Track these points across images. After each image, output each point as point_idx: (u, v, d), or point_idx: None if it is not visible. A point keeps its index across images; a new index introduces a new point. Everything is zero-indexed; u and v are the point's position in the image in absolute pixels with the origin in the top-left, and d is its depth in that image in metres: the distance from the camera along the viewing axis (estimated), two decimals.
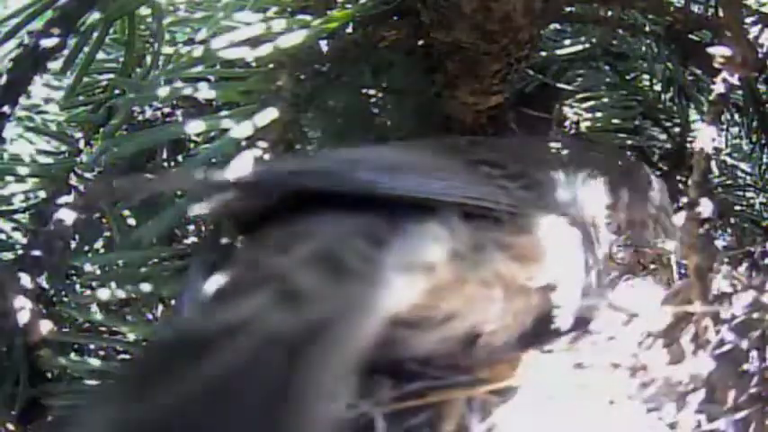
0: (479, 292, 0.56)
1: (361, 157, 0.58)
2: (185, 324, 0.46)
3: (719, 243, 0.99)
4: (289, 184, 0.51)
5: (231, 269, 0.47)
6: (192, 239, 0.78)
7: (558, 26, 0.96)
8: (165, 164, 0.87)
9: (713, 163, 0.66)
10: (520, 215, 0.59)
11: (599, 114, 0.92)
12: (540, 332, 0.60)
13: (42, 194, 0.83)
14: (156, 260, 0.65)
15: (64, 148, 0.87)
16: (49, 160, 0.86)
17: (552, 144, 0.78)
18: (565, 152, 0.72)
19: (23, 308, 0.70)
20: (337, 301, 0.43)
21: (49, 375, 0.74)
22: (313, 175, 0.52)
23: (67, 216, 0.78)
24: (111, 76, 0.85)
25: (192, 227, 0.81)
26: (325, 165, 0.56)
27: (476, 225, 0.55)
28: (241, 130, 0.62)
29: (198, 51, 0.67)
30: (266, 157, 0.61)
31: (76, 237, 0.82)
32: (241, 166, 0.60)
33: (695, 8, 0.86)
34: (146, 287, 0.62)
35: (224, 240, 0.61)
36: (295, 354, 0.39)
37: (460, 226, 0.54)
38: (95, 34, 0.73)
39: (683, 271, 0.72)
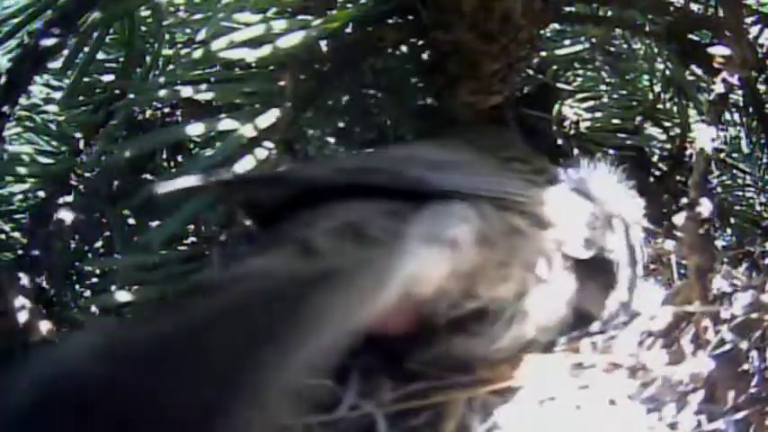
0: (527, 274, 0.57)
1: (409, 155, 0.59)
2: (200, 276, 0.46)
3: (719, 243, 0.99)
4: (345, 182, 0.52)
5: (255, 242, 0.48)
6: (192, 239, 0.78)
7: (558, 26, 0.96)
8: (165, 164, 0.87)
9: (713, 163, 0.66)
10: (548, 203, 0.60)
11: (599, 114, 0.92)
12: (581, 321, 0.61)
13: (42, 194, 0.83)
14: (157, 262, 0.65)
15: (64, 148, 0.87)
16: (49, 160, 0.87)
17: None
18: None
19: (23, 308, 0.70)
20: (351, 258, 0.44)
21: None
22: (365, 174, 0.53)
23: (67, 216, 0.79)
24: (111, 76, 0.85)
25: (192, 227, 0.81)
26: (377, 164, 0.57)
27: (508, 210, 0.56)
28: (245, 130, 0.62)
29: (198, 52, 0.67)
30: (272, 157, 0.62)
31: (76, 237, 0.82)
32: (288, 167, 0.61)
33: (695, 8, 0.86)
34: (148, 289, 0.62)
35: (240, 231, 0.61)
36: (301, 294, 0.39)
37: (492, 211, 0.55)
38: (95, 34, 0.73)
39: (682, 271, 0.72)
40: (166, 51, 0.81)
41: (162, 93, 0.67)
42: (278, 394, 0.36)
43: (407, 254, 0.47)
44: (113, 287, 0.68)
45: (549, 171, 0.67)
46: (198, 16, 0.79)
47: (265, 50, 0.66)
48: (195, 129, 0.64)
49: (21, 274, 0.73)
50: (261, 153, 0.62)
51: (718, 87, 0.70)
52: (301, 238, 0.45)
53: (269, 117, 0.64)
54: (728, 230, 1.02)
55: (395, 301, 0.46)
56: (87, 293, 0.80)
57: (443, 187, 0.52)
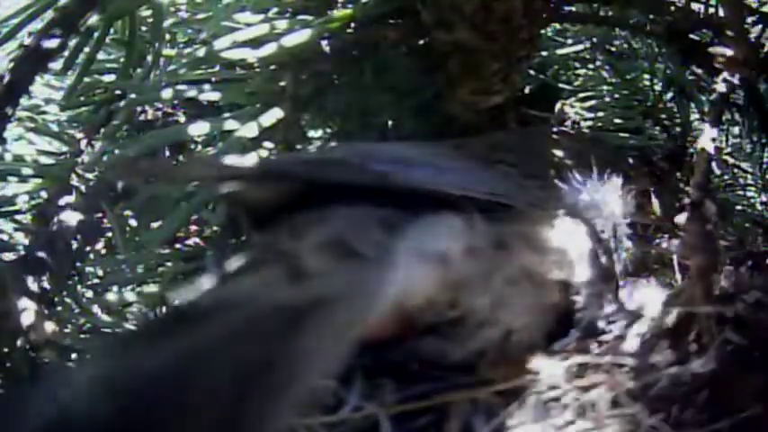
0: (507, 288, 0.56)
1: (376, 149, 0.58)
2: (190, 299, 0.46)
3: (721, 243, 0.99)
4: (302, 175, 0.51)
5: (246, 254, 0.47)
6: (194, 241, 0.78)
7: (558, 26, 0.96)
8: None
9: (714, 163, 0.66)
10: (539, 212, 0.59)
11: (599, 114, 0.92)
12: (562, 330, 0.60)
13: (44, 195, 0.83)
14: (158, 262, 0.65)
15: (65, 148, 0.87)
16: (51, 161, 0.87)
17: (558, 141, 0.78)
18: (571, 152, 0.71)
19: (26, 309, 0.70)
20: (342, 279, 0.44)
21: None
22: (326, 166, 0.52)
23: (69, 217, 0.79)
24: (112, 76, 0.85)
25: (194, 228, 0.81)
26: (338, 156, 0.56)
27: (496, 220, 0.55)
28: (246, 130, 0.62)
29: (200, 52, 0.67)
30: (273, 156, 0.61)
31: (78, 237, 0.82)
32: (253, 158, 0.60)
33: (695, 8, 0.86)
34: (149, 289, 0.62)
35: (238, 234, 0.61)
36: (291, 324, 0.39)
37: (480, 220, 0.54)
38: (96, 34, 0.73)
39: (685, 271, 0.72)
40: (168, 51, 0.81)
41: (163, 93, 0.67)
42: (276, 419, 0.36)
43: (398, 270, 0.47)
44: (115, 287, 0.68)
45: (544, 178, 0.66)
46: (199, 16, 0.80)
47: (267, 50, 0.66)
48: (197, 128, 0.64)
49: (23, 276, 0.73)
50: (262, 154, 0.62)
51: (719, 87, 0.70)
52: (289, 256, 0.44)
53: (270, 117, 0.64)
54: (730, 230, 1.02)
55: (384, 313, 0.46)
56: (90, 294, 0.79)
57: (410, 183, 0.51)
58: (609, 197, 0.69)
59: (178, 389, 0.34)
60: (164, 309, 0.75)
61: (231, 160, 0.52)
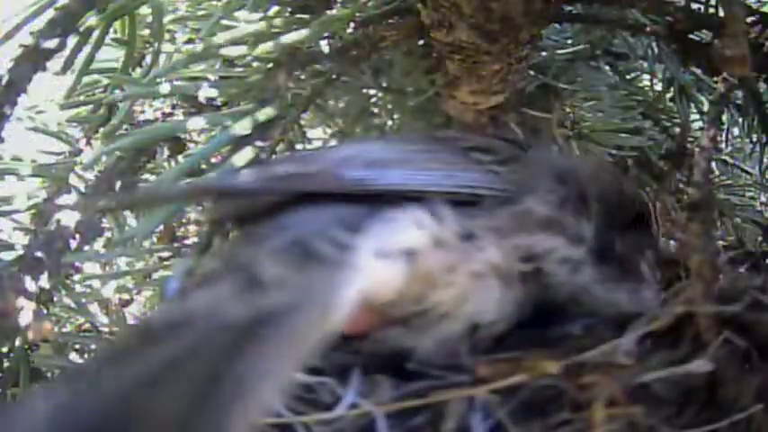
0: (472, 282, 0.55)
1: (349, 154, 0.58)
2: (147, 319, 0.46)
3: (720, 243, 0.99)
4: (276, 190, 0.51)
5: (209, 264, 0.47)
6: (193, 239, 0.78)
7: (558, 26, 0.96)
8: (166, 164, 0.87)
9: (713, 163, 0.66)
10: (512, 199, 0.58)
11: (599, 114, 0.92)
12: (537, 318, 0.60)
13: (43, 194, 0.83)
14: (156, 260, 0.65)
15: (64, 147, 0.87)
16: (50, 160, 0.86)
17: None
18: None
19: (24, 308, 0.70)
20: (298, 288, 0.43)
21: (50, 376, 0.74)
22: (300, 179, 0.52)
23: (68, 216, 0.79)
24: (112, 75, 0.85)
25: (192, 227, 0.81)
26: (310, 166, 0.56)
27: (465, 211, 0.55)
28: (239, 127, 0.62)
29: (198, 47, 0.67)
30: (262, 155, 0.62)
31: (77, 236, 0.82)
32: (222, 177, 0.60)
33: (695, 8, 0.86)
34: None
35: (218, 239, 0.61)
36: (241, 342, 0.39)
37: (448, 212, 0.54)
38: (95, 34, 0.73)
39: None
40: (167, 49, 0.81)
41: (162, 89, 0.67)
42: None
43: (358, 270, 0.47)
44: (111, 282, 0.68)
45: (520, 160, 0.65)
46: (198, 14, 0.80)
47: (265, 49, 0.66)
48: (192, 124, 0.64)
49: (21, 275, 0.73)
50: (255, 150, 0.62)
51: (719, 87, 0.70)
52: (246, 265, 0.44)
53: (264, 114, 0.63)
54: (729, 230, 1.02)
55: (353, 312, 0.46)
56: (87, 293, 0.80)
57: (386, 187, 0.51)
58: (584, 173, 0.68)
59: (128, 422, 0.34)
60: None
61: (200, 181, 0.53)
